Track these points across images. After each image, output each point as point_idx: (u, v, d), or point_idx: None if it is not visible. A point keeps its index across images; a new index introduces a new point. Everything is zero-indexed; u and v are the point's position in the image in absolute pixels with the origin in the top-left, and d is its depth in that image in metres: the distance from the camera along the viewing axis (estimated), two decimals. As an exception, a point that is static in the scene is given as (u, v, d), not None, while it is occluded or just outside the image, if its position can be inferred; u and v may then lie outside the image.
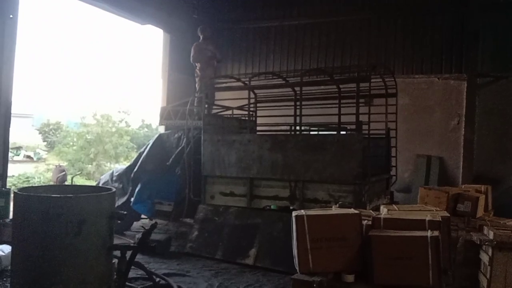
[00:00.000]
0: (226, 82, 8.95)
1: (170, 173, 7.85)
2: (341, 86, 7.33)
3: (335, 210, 4.05)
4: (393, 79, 8.07)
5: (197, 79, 9.53)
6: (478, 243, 4.51)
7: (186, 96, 9.48)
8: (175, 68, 11.10)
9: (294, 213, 3.68)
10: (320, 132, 8.94)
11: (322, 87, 8.09)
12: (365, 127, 6.68)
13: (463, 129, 9.93)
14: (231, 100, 8.65)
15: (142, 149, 8.73)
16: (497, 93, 9.75)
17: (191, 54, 9.61)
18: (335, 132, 7.79)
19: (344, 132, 8.06)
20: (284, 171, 6.77)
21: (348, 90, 7.44)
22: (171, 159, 8.00)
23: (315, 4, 11.24)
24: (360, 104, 6.56)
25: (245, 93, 7.64)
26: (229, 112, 8.80)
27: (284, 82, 8.01)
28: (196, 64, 9.61)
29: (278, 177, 6.82)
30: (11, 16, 7.02)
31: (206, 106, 8.10)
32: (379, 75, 7.80)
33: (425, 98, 10.33)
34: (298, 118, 6.98)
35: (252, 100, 8.32)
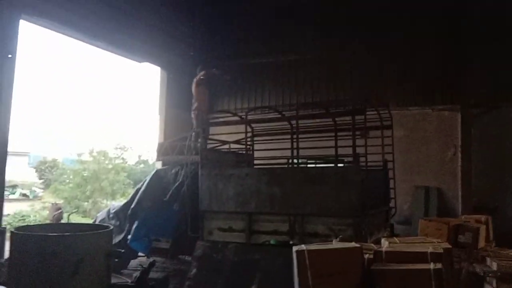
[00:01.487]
0: (222, 117, 8.93)
1: (168, 209, 7.83)
2: (336, 119, 7.33)
3: (336, 244, 4.02)
4: (387, 112, 8.15)
5: (193, 114, 9.64)
6: (482, 274, 4.48)
7: (183, 131, 9.63)
8: (172, 104, 11.20)
9: (294, 248, 3.65)
10: (318, 165, 8.94)
11: (318, 120, 8.14)
12: (362, 159, 6.72)
13: (460, 160, 9.97)
14: (228, 135, 8.67)
15: (139, 185, 8.70)
16: (492, 122, 9.88)
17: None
18: (332, 165, 7.74)
19: (341, 165, 8.00)
20: (283, 205, 6.76)
21: (344, 122, 7.41)
22: (168, 195, 7.98)
23: (308, 39, 11.43)
24: (356, 137, 6.62)
25: (242, 127, 7.70)
26: (226, 146, 8.81)
27: (280, 115, 8.08)
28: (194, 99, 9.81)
29: (277, 211, 6.80)
30: (9, 55, 7.11)
31: (204, 140, 8.18)
32: (373, 108, 7.88)
33: (420, 130, 10.43)
34: (295, 151, 7.02)
35: (249, 134, 8.39)
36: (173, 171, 8.42)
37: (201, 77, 9.70)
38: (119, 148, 19.71)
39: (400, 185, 8.90)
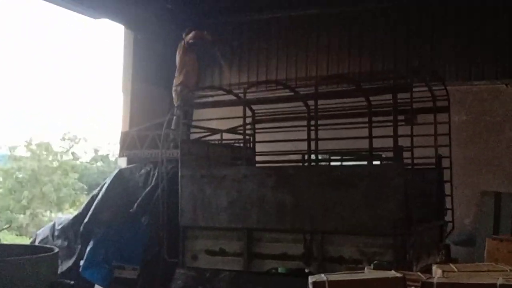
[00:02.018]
0: (212, 96, 8.96)
1: (135, 224, 7.93)
2: (372, 98, 7.42)
3: (368, 273, 4.07)
4: (443, 88, 8.22)
5: (174, 92, 9.72)
6: None
7: (157, 115, 9.79)
8: (141, 77, 11.29)
9: (311, 279, 3.68)
10: (345, 163, 9.06)
11: (346, 100, 8.26)
12: (407, 154, 6.77)
13: (546, 156, 9.98)
14: (219, 120, 8.79)
15: (96, 191, 8.76)
16: None
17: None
18: (365, 162, 7.93)
19: (378, 162, 8.18)
20: (296, 219, 6.80)
21: (381, 104, 7.59)
22: (136, 205, 8.04)
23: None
24: (399, 123, 6.65)
25: (239, 110, 7.71)
26: (217, 136, 8.87)
27: (292, 94, 8.10)
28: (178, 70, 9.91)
29: (287, 227, 6.85)
30: None
31: (186, 128, 8.34)
32: (424, 83, 7.96)
33: (489, 113, 10.43)
34: (313, 143, 7.04)
35: (249, 120, 8.44)
36: (142, 171, 8.50)
37: (190, 41, 9.76)
38: (68, 139, 19.76)
39: (460, 191, 9.04)
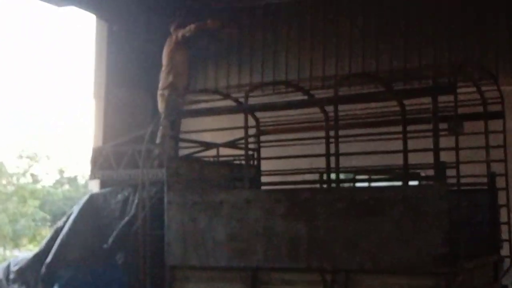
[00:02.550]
0: (206, 101, 8.91)
1: (110, 264, 8.00)
2: (406, 102, 7.40)
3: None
4: (496, 88, 8.22)
5: (160, 97, 9.83)
6: None
7: (137, 126, 9.84)
8: (118, 79, 11.28)
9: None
10: (373, 184, 8.95)
11: (373, 105, 8.26)
12: (451, 172, 6.75)
13: None
14: (215, 132, 8.80)
15: (61, 223, 8.75)
16: None
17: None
18: (399, 183, 7.86)
19: (415, 183, 8.20)
20: (313, 255, 6.80)
21: (418, 109, 7.62)
22: (111, 239, 8.16)
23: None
24: (442, 133, 6.60)
25: (239, 119, 7.70)
26: (213, 152, 8.88)
27: (306, 98, 8.10)
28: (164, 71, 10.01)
29: (302, 266, 6.83)
30: None
31: (173, 143, 8.38)
32: (471, 82, 7.97)
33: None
34: (333, 159, 7.03)
35: (252, 131, 8.50)
36: (119, 197, 8.65)
37: (187, 34, 9.91)
38: (26, 158, 19.73)
39: (520, 218, 8.93)
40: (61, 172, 23.62)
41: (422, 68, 10.53)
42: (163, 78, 9.92)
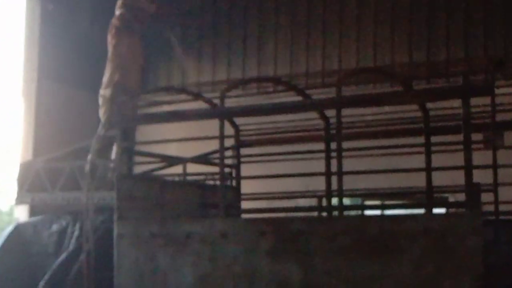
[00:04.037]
0: (169, 104, 8.12)
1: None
2: (429, 106, 6.59)
3: None
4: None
5: (101, 99, 9.15)
6: None
7: (78, 135, 9.40)
8: (53, 73, 10.62)
9: None
10: (387, 212, 8.48)
11: (387, 109, 7.47)
12: (487, 196, 6.18)
13: None
14: (181, 143, 8.12)
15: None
16: None
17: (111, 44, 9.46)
18: (420, 211, 7.05)
19: (440, 210, 8.02)
20: (308, 308, 6.06)
21: (444, 115, 7.10)
22: (42, 283, 7.40)
23: None
24: (475, 146, 5.78)
25: (213, 126, 6.72)
26: (178, 169, 8.16)
27: (301, 99, 7.13)
28: (108, 65, 9.39)
29: (295, 320, 6.10)
30: None
31: (125, 156, 7.50)
32: (511, 82, 8.05)
33: None
34: (334, 179, 6.23)
35: (231, 141, 7.88)
36: (54, 227, 8.14)
37: (123, 14, 9.16)
38: None
39: None
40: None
41: (451, 62, 10.08)
42: (106, 75, 9.15)
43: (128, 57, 9.37)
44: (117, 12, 9.29)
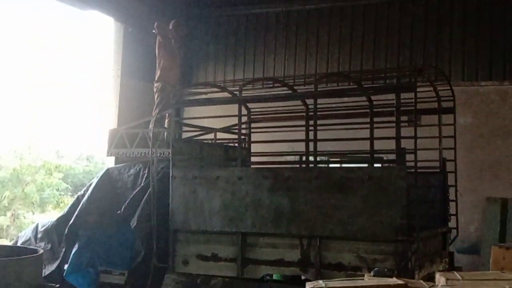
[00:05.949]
0: (205, 93, 8.92)
1: (123, 227, 7.94)
2: (373, 98, 7.54)
3: (369, 280, 4.08)
4: (449, 88, 8.21)
5: (155, 89, 9.75)
6: None
7: (147, 112, 9.74)
8: (131, 72, 11.37)
9: (309, 285, 3.75)
10: (345, 165, 9.10)
11: (346, 99, 8.27)
12: (409, 157, 6.75)
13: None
14: (212, 119, 8.73)
15: (81, 192, 8.83)
16: None
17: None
18: (366, 165, 7.97)
19: (379, 165, 8.24)
20: (292, 223, 6.85)
21: (383, 104, 7.66)
22: (124, 206, 8.09)
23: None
24: (402, 124, 6.65)
25: (233, 109, 7.72)
26: (210, 136, 8.91)
27: (290, 92, 8.07)
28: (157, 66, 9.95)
29: (284, 232, 6.90)
30: None
31: (176, 126, 8.45)
32: (428, 82, 8.00)
33: (497, 115, 10.50)
34: (311, 144, 7.07)
35: (245, 119, 8.47)
36: (131, 171, 8.56)
37: (161, 35, 9.73)
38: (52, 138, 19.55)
39: (465, 196, 8.94)
40: (81, 150, 23.47)
41: (388, 70, 10.54)
42: (157, 73, 9.83)
43: (166, 62, 9.74)
44: (158, 32, 9.78)
